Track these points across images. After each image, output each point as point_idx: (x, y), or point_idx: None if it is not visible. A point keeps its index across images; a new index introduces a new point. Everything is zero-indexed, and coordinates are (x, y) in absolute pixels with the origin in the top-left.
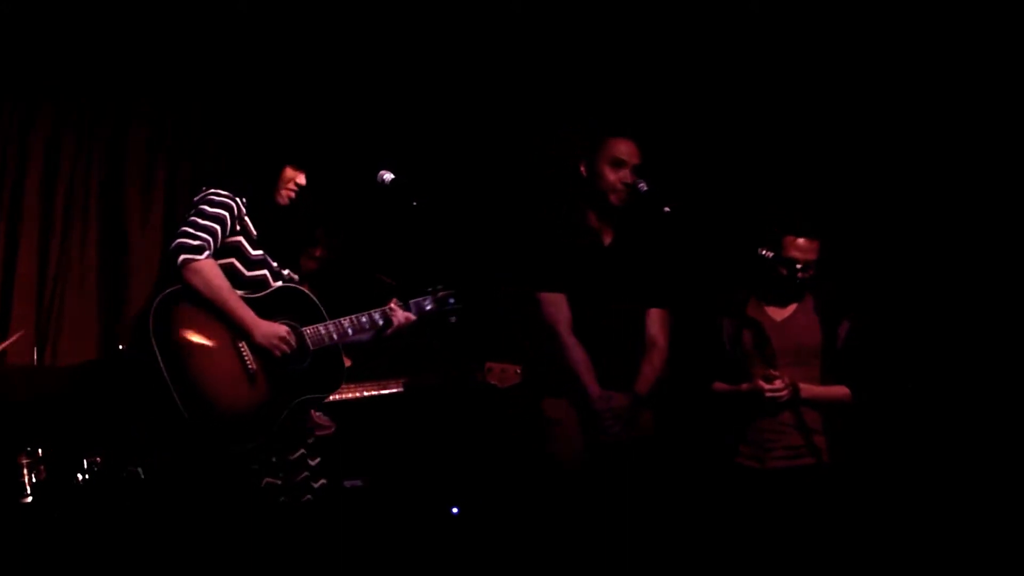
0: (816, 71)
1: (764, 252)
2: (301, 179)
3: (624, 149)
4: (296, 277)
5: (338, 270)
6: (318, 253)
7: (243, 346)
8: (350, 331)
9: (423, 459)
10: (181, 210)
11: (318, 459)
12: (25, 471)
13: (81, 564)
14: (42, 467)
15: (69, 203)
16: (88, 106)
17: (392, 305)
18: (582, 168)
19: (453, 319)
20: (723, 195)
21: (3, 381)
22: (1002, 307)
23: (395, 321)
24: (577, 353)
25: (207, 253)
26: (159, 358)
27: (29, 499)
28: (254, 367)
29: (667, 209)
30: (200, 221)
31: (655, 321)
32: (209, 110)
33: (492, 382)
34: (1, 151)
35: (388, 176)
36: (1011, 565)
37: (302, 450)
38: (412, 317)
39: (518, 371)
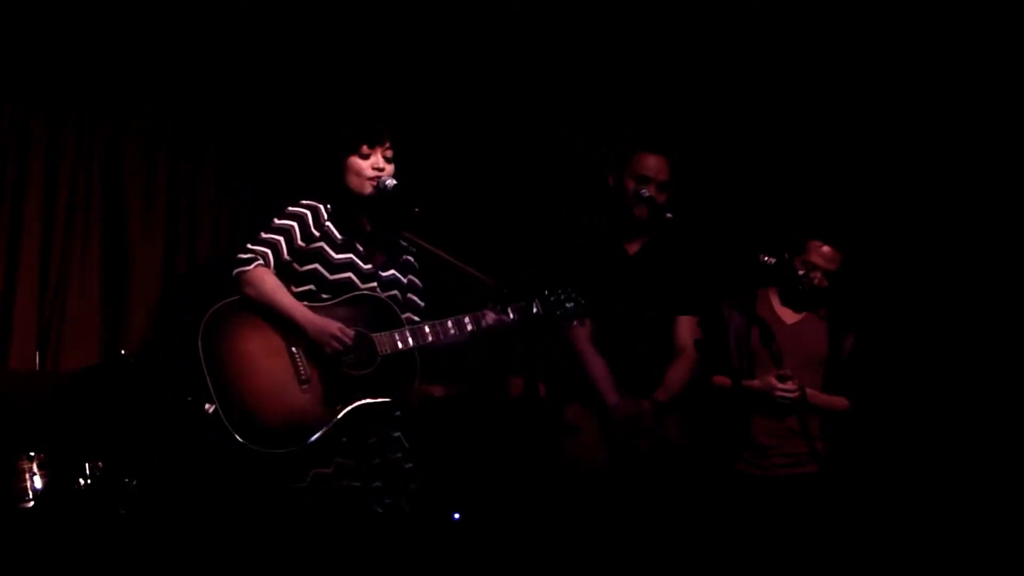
0: (824, 75)
1: (766, 259)
2: (378, 161)
3: (651, 165)
4: (404, 277)
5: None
6: None
7: (298, 352)
8: (431, 336)
9: (426, 464)
10: (183, 211)
11: (397, 477)
12: (27, 476)
13: (82, 569)
14: (44, 472)
15: (70, 205)
16: (88, 106)
17: (487, 309)
18: (610, 180)
19: (576, 322)
20: (730, 198)
21: (5, 386)
22: (1008, 321)
23: (485, 324)
24: (596, 363)
25: (258, 264)
26: (205, 369)
27: (31, 504)
28: (307, 373)
29: (669, 215)
30: (261, 235)
31: (684, 329)
32: (209, 110)
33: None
34: (1, 153)
35: (390, 182)
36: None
37: (377, 459)
38: (506, 320)
39: (519, 382)
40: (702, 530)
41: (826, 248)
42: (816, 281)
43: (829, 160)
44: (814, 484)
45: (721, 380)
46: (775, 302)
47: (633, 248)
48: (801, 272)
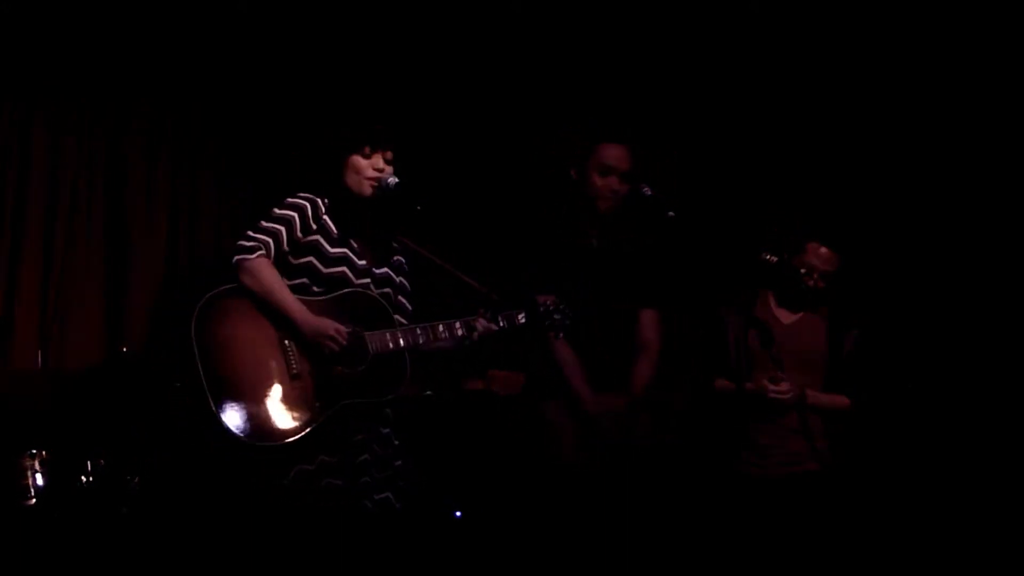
0: (824, 74)
1: (768, 257)
2: (379, 163)
3: (613, 155)
4: (396, 277)
5: (433, 271)
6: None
7: (290, 346)
8: (422, 339)
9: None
10: (183, 210)
11: (386, 474)
12: (29, 474)
13: (84, 567)
14: (46, 470)
15: (72, 206)
16: (88, 107)
17: (477, 316)
18: (573, 173)
19: (560, 335)
20: (730, 198)
21: (7, 385)
22: (1008, 320)
23: (476, 332)
24: (566, 356)
25: (260, 253)
26: (196, 354)
27: (33, 502)
28: (298, 368)
29: (671, 214)
30: (263, 224)
31: (647, 322)
32: (209, 110)
33: (494, 389)
34: (2, 154)
35: (392, 180)
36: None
37: (366, 455)
38: (494, 328)
39: (521, 379)
40: (702, 530)
41: (824, 250)
42: (812, 283)
43: (829, 161)
44: (815, 482)
45: (723, 384)
46: (773, 303)
47: (597, 241)
48: (803, 271)
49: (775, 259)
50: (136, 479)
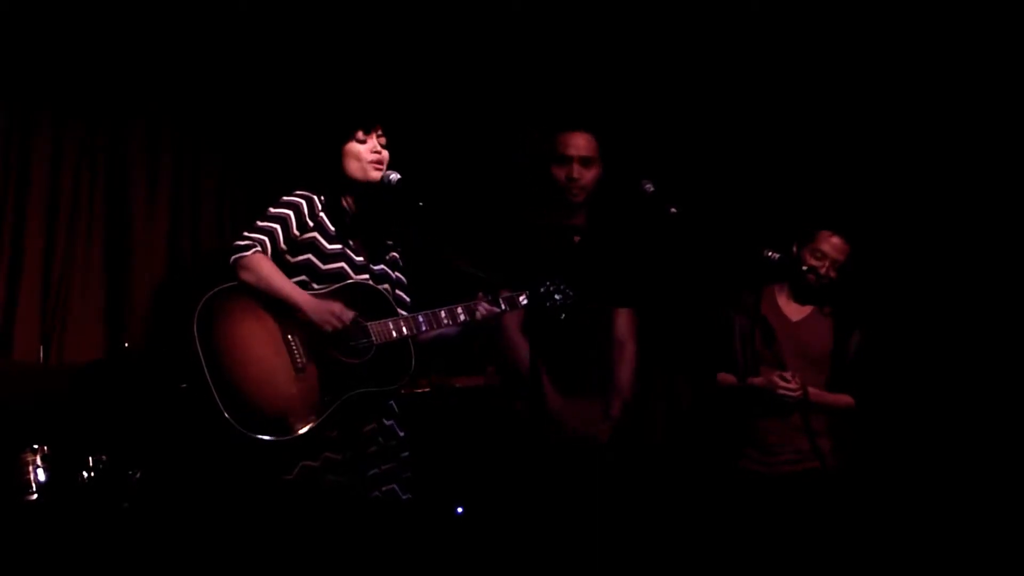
0: (826, 73)
1: (770, 254)
2: (375, 144)
3: (570, 143)
4: (393, 273)
5: (432, 262)
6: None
7: (293, 340)
8: (424, 326)
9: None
10: (186, 208)
11: (392, 465)
12: (30, 469)
13: (86, 562)
14: (47, 465)
15: (74, 202)
16: (91, 104)
17: (478, 299)
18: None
19: (562, 316)
20: (732, 195)
21: (8, 379)
22: (1013, 319)
23: (479, 315)
24: (523, 354)
25: (256, 250)
26: (200, 354)
27: (34, 497)
28: (303, 361)
29: (673, 210)
30: (258, 223)
31: (623, 322)
32: (210, 107)
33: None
34: (4, 152)
35: (394, 176)
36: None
37: (374, 447)
38: (495, 310)
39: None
40: (708, 527)
41: (836, 239)
42: (823, 270)
43: (832, 163)
44: (819, 480)
45: (725, 378)
46: (781, 299)
47: (575, 237)
48: (813, 263)
49: (777, 256)
50: (137, 474)
